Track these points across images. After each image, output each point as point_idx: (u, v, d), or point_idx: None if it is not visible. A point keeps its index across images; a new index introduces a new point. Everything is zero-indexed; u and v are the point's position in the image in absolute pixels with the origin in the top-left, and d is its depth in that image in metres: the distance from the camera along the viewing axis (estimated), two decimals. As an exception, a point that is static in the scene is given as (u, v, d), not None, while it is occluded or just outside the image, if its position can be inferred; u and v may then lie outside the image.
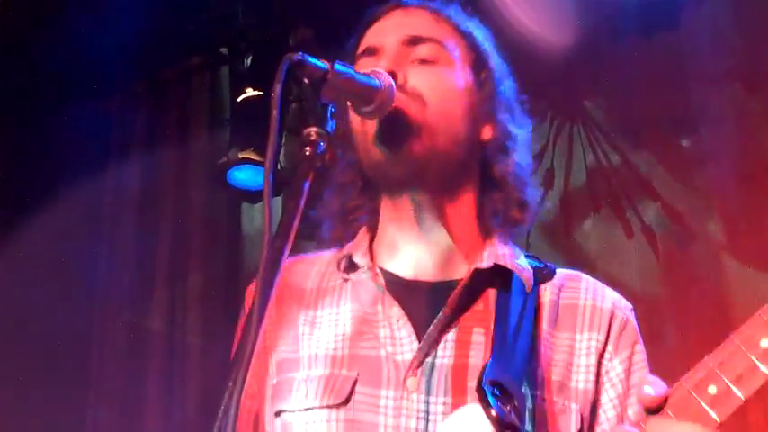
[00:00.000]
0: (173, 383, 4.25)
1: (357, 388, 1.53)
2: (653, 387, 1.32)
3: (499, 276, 1.62)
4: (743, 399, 1.28)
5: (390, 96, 1.51)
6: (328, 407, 1.53)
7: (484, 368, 1.45)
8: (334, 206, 1.75)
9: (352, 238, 1.72)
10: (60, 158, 4.27)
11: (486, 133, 1.71)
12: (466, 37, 1.74)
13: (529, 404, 1.50)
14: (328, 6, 3.77)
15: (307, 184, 1.28)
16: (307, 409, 1.54)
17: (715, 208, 3.29)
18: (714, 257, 3.25)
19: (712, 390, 1.29)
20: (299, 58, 1.30)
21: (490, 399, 1.40)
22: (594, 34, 3.69)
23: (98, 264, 4.46)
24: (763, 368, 1.28)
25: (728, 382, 1.28)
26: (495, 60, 1.77)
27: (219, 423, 1.11)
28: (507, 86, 1.77)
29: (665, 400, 1.31)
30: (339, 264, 1.69)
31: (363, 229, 1.72)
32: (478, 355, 1.54)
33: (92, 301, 4.41)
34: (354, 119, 1.62)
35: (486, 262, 1.62)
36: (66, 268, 4.09)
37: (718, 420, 1.28)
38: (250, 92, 3.94)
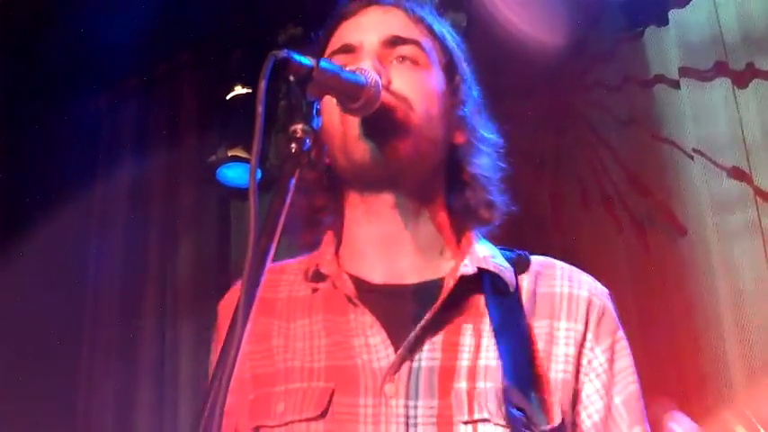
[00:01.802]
0: (164, 381, 4.25)
1: (335, 398, 1.52)
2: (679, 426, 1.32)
3: (479, 278, 1.62)
4: None
5: (377, 93, 1.51)
6: (307, 420, 1.52)
7: (501, 384, 1.48)
8: (301, 206, 1.73)
9: (319, 243, 1.71)
10: (48, 155, 4.26)
11: (459, 137, 1.72)
12: (439, 39, 1.75)
13: (537, 410, 1.50)
14: (317, 4, 3.76)
15: (292, 182, 1.27)
16: (286, 424, 1.53)
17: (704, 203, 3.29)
18: (704, 252, 3.25)
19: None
20: (285, 55, 1.29)
21: (513, 418, 1.43)
22: (584, 31, 3.69)
23: (88, 260, 4.45)
24: None
25: (757, 424, 1.28)
26: (464, 65, 1.78)
27: (203, 428, 1.10)
28: (475, 90, 1.79)
29: None
30: (306, 274, 1.69)
31: (329, 235, 1.72)
32: (464, 357, 1.53)
33: (82, 297, 4.41)
34: (330, 117, 1.60)
35: (470, 268, 1.61)
36: (56, 265, 4.08)
37: None
38: (239, 89, 3.94)
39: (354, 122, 1.58)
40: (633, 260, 3.44)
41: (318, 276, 1.67)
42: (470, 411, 1.48)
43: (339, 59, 1.65)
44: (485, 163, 1.73)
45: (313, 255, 1.71)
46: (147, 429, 4.17)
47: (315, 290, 1.67)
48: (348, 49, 1.68)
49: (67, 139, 4.33)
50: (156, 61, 4.56)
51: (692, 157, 3.36)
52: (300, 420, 1.52)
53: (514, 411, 1.46)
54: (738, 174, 3.25)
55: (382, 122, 1.56)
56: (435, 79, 1.68)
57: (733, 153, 3.27)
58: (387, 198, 1.65)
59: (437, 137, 1.65)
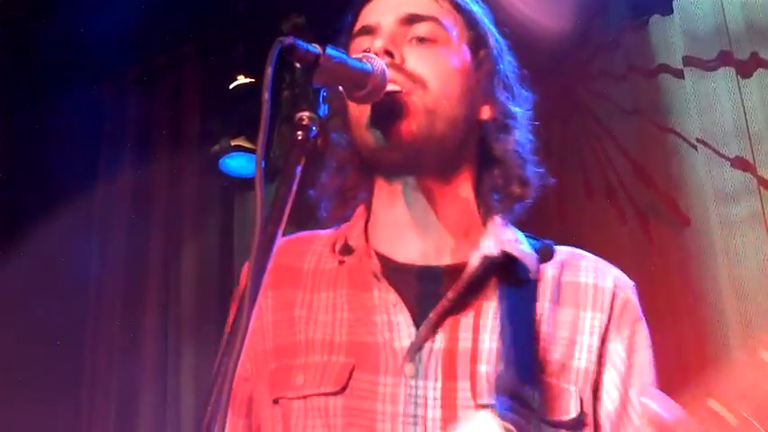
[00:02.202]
0: (166, 379, 4.25)
1: (354, 374, 1.52)
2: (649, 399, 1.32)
3: (504, 262, 1.61)
4: (750, 416, 1.25)
5: (383, 81, 1.50)
6: (326, 394, 1.52)
7: (494, 372, 1.47)
8: (332, 186, 1.74)
9: (351, 216, 1.71)
10: (49, 148, 4.25)
11: (485, 113, 1.69)
12: (464, 14, 1.72)
13: (537, 399, 1.49)
14: (320, -6, 3.76)
15: (299, 169, 1.27)
16: (305, 397, 1.54)
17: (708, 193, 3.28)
18: (708, 242, 3.25)
19: (717, 407, 1.27)
20: (291, 41, 1.29)
21: (501, 408, 1.42)
22: (588, 20, 3.68)
23: (90, 255, 4.45)
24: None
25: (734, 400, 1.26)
26: (494, 37, 1.75)
27: (210, 410, 1.10)
28: (507, 63, 1.76)
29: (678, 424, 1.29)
30: (334, 246, 1.68)
31: (360, 210, 1.71)
32: (485, 339, 1.53)
33: (84, 294, 4.41)
34: (351, 105, 1.61)
35: (494, 249, 1.59)
36: (58, 262, 4.08)
37: None
38: (242, 79, 3.93)
39: (366, 109, 1.57)
40: (637, 250, 3.43)
41: (346, 249, 1.66)
42: (479, 395, 1.48)
43: (360, 41, 1.65)
44: (516, 137, 1.70)
45: (342, 228, 1.70)
46: (149, 428, 4.17)
47: (341, 262, 1.66)
48: (367, 31, 1.68)
49: (69, 131, 4.32)
50: (159, 52, 4.55)
51: (695, 147, 3.35)
52: (319, 394, 1.52)
53: (509, 403, 1.46)
54: (742, 163, 3.24)
55: (392, 108, 1.55)
56: (456, 56, 1.66)
57: (737, 143, 3.26)
58: (408, 181, 1.64)
59: (457, 116, 1.62)
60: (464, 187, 1.68)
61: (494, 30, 1.77)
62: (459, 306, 1.55)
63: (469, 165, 1.69)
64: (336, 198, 1.74)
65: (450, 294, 1.54)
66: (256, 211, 1.17)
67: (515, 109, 1.73)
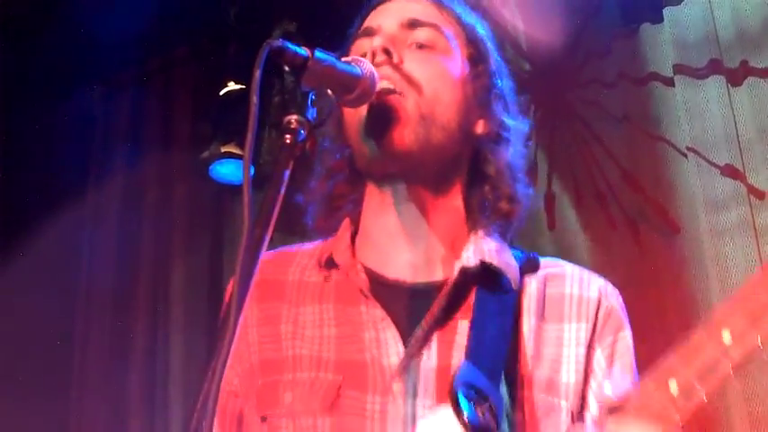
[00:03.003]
0: (155, 380, 4.24)
1: (342, 392, 1.52)
2: (613, 387, 1.30)
3: (485, 273, 1.60)
4: (705, 396, 1.22)
5: (372, 85, 1.49)
6: (314, 412, 1.51)
7: (457, 370, 1.44)
8: (321, 193, 1.73)
9: (337, 228, 1.70)
10: (41, 149, 4.24)
11: (480, 127, 1.69)
12: (466, 29, 1.73)
13: (507, 405, 1.48)
14: (312, 0, 3.77)
15: (287, 173, 1.27)
16: (293, 415, 1.53)
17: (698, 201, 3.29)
18: (697, 250, 3.25)
19: (674, 387, 1.24)
20: (280, 44, 1.29)
21: (462, 402, 1.39)
22: (579, 27, 3.69)
23: (81, 257, 4.44)
24: (725, 363, 1.22)
25: (691, 379, 1.23)
26: (494, 57, 1.76)
27: (196, 419, 1.09)
28: (505, 84, 1.76)
29: (627, 399, 1.26)
30: (320, 260, 1.67)
31: (346, 222, 1.70)
32: (460, 356, 1.52)
33: (74, 294, 4.40)
34: (347, 113, 1.61)
35: (473, 260, 1.59)
36: (49, 263, 4.06)
37: (679, 420, 1.24)
38: (232, 85, 3.92)
39: (361, 118, 1.57)
40: (626, 257, 3.43)
41: (331, 264, 1.65)
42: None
43: (360, 43, 1.66)
44: (509, 155, 1.71)
45: (328, 241, 1.69)
46: (138, 428, 4.16)
47: (327, 277, 1.66)
48: (368, 33, 1.68)
49: (61, 134, 4.32)
50: (151, 56, 4.54)
51: (685, 155, 3.36)
52: (307, 413, 1.52)
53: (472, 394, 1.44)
54: (732, 171, 3.25)
55: (384, 114, 1.55)
56: (454, 65, 1.66)
57: (727, 151, 3.27)
58: (400, 190, 1.64)
59: (451, 125, 1.62)
60: (455, 199, 1.68)
61: (494, 51, 1.78)
62: (444, 321, 1.55)
63: (461, 177, 1.69)
64: (324, 205, 1.73)
65: (434, 310, 1.54)
66: (243, 213, 1.16)
67: (511, 124, 1.73)
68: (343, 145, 1.69)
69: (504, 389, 1.49)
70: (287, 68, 1.30)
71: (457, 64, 1.67)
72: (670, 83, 3.46)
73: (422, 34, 1.65)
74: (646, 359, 3.16)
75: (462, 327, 1.56)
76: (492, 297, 1.58)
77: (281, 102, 1.22)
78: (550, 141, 3.74)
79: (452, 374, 1.44)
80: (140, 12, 3.93)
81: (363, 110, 1.56)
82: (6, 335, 3.86)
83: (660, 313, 3.28)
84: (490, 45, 1.77)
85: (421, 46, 1.64)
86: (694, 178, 3.30)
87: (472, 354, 1.50)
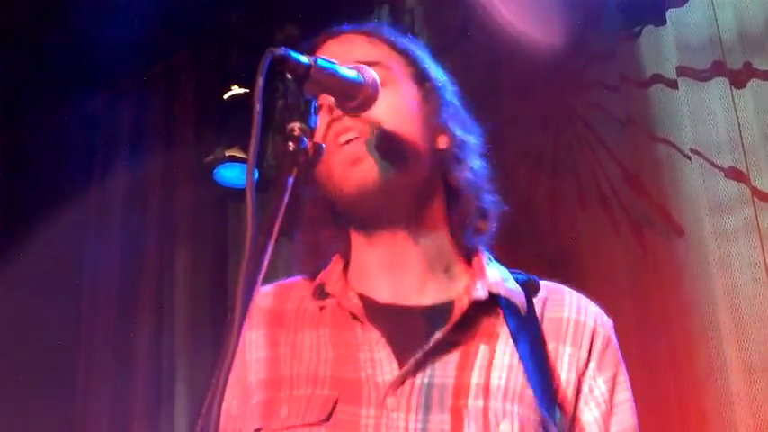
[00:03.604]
0: (161, 381, 4.25)
1: (338, 407, 1.53)
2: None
3: (491, 301, 1.63)
4: None
5: (375, 92, 1.50)
6: (309, 425, 1.53)
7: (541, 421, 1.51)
8: (307, 244, 1.76)
9: (327, 264, 1.73)
10: (44, 154, 4.25)
11: (441, 143, 1.71)
12: (402, 54, 1.75)
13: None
14: (315, 5, 3.77)
15: (290, 180, 1.27)
16: (288, 428, 1.55)
17: (701, 203, 3.28)
18: (701, 253, 3.25)
19: None
20: (282, 52, 1.29)
21: None
22: (582, 30, 3.69)
23: (84, 262, 4.45)
24: None
25: None
26: (436, 71, 1.78)
27: (200, 427, 1.10)
28: (451, 94, 1.78)
29: None
30: (314, 292, 1.70)
31: (336, 257, 1.74)
32: (474, 375, 1.55)
33: (78, 298, 4.41)
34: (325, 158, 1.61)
35: (481, 292, 1.61)
36: (53, 266, 4.08)
37: None
38: (236, 89, 3.93)
39: (332, 163, 1.60)
40: (630, 260, 3.43)
41: (324, 295, 1.68)
42: (485, 428, 1.49)
43: None
44: (470, 166, 1.73)
45: (321, 274, 1.72)
46: (143, 428, 4.17)
47: (322, 307, 1.69)
48: None
49: (64, 139, 4.32)
50: (154, 60, 4.55)
51: (689, 158, 3.35)
52: (303, 425, 1.53)
53: None
54: (736, 174, 3.24)
55: (359, 156, 1.58)
56: (405, 93, 1.69)
57: (730, 153, 3.26)
58: (382, 229, 1.67)
59: (420, 152, 1.65)
60: (438, 224, 1.70)
61: (433, 64, 1.79)
62: (445, 345, 1.57)
63: (439, 200, 1.71)
64: (312, 254, 1.76)
65: (439, 335, 1.56)
66: (247, 221, 1.16)
67: (466, 137, 1.75)
68: (317, 192, 1.71)
69: (557, 414, 1.53)
70: (289, 76, 1.31)
71: (406, 92, 1.69)
72: (673, 85, 3.45)
73: None
74: (649, 363, 3.16)
75: (473, 348, 1.58)
76: (510, 322, 1.60)
77: (284, 106, 1.22)
78: (553, 144, 3.74)
79: (539, 419, 1.51)
80: (143, 16, 3.94)
81: (336, 158, 1.60)
82: (11, 335, 3.88)
83: (664, 315, 3.28)
84: (429, 61, 1.79)
85: None
86: (698, 181, 3.30)
87: (532, 386, 1.53)
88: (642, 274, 3.37)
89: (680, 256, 3.34)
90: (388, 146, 1.60)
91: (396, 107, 1.64)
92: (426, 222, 1.68)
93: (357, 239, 1.71)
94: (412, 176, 1.63)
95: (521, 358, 1.55)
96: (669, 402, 3.09)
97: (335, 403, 1.54)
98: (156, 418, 4.18)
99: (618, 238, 3.51)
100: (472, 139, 1.77)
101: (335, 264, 1.72)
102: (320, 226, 1.76)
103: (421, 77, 1.74)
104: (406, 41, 1.78)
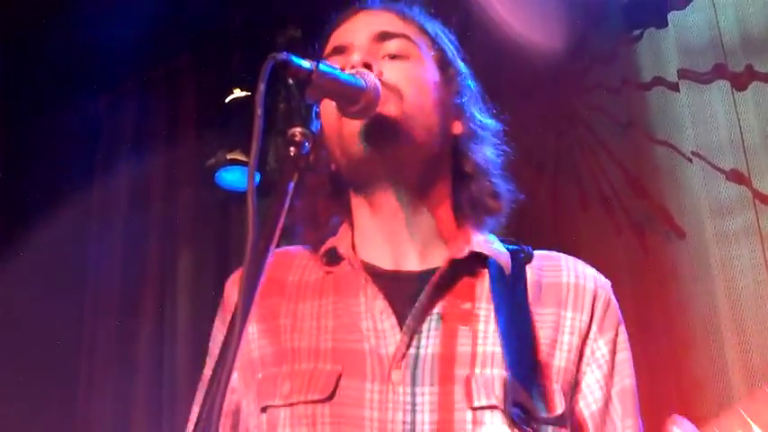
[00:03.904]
0: (162, 382, 4.26)
1: (341, 382, 1.53)
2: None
3: (477, 264, 1.64)
4: None
5: (376, 96, 1.51)
6: (313, 402, 1.52)
7: (505, 385, 1.49)
8: (306, 212, 1.76)
9: (325, 239, 1.73)
10: (47, 157, 4.26)
11: (457, 128, 1.73)
12: (431, 36, 1.77)
13: (541, 405, 1.52)
14: (316, 6, 3.77)
15: (291, 185, 1.27)
16: (291, 405, 1.54)
17: (703, 206, 3.29)
18: (703, 255, 3.25)
19: None
20: (284, 57, 1.29)
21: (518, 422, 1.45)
22: (584, 32, 3.69)
23: (86, 267, 4.46)
24: None
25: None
26: (460, 61, 1.80)
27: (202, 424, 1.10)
28: (472, 83, 1.81)
29: None
30: (322, 256, 1.70)
31: (345, 225, 1.74)
32: (467, 343, 1.55)
33: (81, 303, 4.41)
34: (328, 120, 1.62)
35: (461, 252, 1.63)
36: (55, 271, 4.08)
37: None
38: (238, 92, 3.93)
39: (352, 123, 1.58)
40: (632, 263, 3.43)
41: (335, 258, 1.68)
42: (475, 398, 1.49)
43: (332, 62, 1.65)
44: (486, 151, 1.75)
45: (330, 240, 1.72)
46: (144, 428, 4.18)
47: (328, 272, 1.69)
48: (339, 51, 1.70)
49: (67, 141, 4.33)
50: (156, 63, 4.56)
51: (690, 160, 3.36)
52: (306, 402, 1.53)
53: (514, 404, 1.48)
54: (737, 176, 3.25)
55: (381, 123, 1.57)
56: (427, 70, 1.70)
57: (732, 156, 3.27)
58: (387, 193, 1.66)
59: (432, 127, 1.66)
60: (442, 198, 1.71)
61: (459, 57, 1.82)
62: (435, 309, 1.57)
63: (446, 178, 1.72)
64: (311, 223, 1.76)
65: (422, 298, 1.56)
66: (248, 226, 1.16)
67: (486, 122, 1.77)
68: (321, 162, 1.71)
69: (535, 383, 1.52)
70: (291, 81, 1.31)
71: (429, 70, 1.70)
72: (675, 88, 3.46)
73: (393, 45, 1.68)
74: (650, 362, 3.15)
75: (465, 314, 1.58)
76: (495, 285, 1.61)
77: (286, 110, 1.22)
78: (555, 146, 3.74)
79: (503, 380, 1.49)
80: (145, 19, 3.95)
81: (345, 121, 1.59)
82: (14, 336, 3.89)
83: (665, 317, 3.29)
84: (454, 50, 1.81)
85: (394, 56, 1.67)
86: (699, 183, 3.30)
87: (509, 362, 1.52)
88: (643, 275, 3.38)
89: (681, 258, 3.34)
90: (404, 111, 1.60)
91: (415, 78, 1.65)
92: (431, 196, 1.69)
93: (360, 208, 1.71)
94: (420, 148, 1.63)
95: (497, 320, 1.55)
96: (670, 404, 3.09)
97: (339, 378, 1.53)
98: (158, 419, 4.18)
99: (619, 240, 3.52)
100: (489, 125, 1.78)
101: (345, 231, 1.72)
102: (319, 196, 1.76)
103: (444, 62, 1.75)
104: (435, 26, 1.81)
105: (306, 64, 1.33)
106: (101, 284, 4.45)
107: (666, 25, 3.53)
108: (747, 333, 3.06)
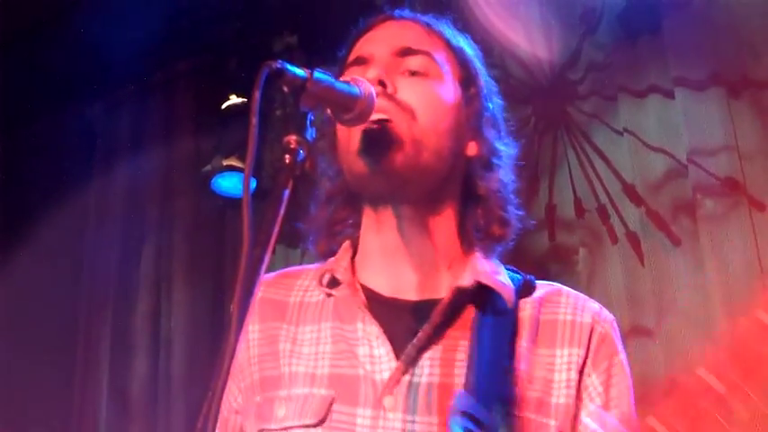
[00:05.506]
0: (158, 386, 4.26)
1: (334, 407, 1.53)
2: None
3: (481, 294, 1.62)
4: None
5: (370, 104, 1.50)
6: (305, 426, 1.53)
7: (454, 399, 1.47)
8: (322, 218, 1.75)
9: (336, 251, 1.72)
10: (44, 162, 4.27)
11: (472, 149, 1.71)
12: (456, 52, 1.74)
13: (501, 424, 1.50)
14: (312, 13, 3.78)
15: (286, 193, 1.27)
16: (285, 429, 1.55)
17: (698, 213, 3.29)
18: (698, 262, 3.26)
19: None
20: (278, 66, 1.29)
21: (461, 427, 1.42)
22: (579, 40, 3.70)
23: (83, 273, 4.46)
24: None
25: None
26: (484, 78, 1.78)
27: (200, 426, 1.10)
28: (495, 105, 1.78)
29: None
30: (321, 279, 1.69)
31: (346, 244, 1.73)
32: (462, 374, 1.54)
33: (77, 303, 4.43)
34: (341, 130, 1.62)
35: (467, 280, 1.61)
36: (51, 279, 4.09)
37: None
38: (234, 99, 3.94)
39: (356, 137, 1.58)
40: (627, 270, 3.44)
41: (333, 283, 1.67)
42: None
43: (352, 72, 1.64)
44: (499, 177, 1.72)
45: (329, 261, 1.71)
46: (141, 420, 4.19)
47: (328, 295, 1.68)
48: (360, 61, 1.69)
49: (64, 147, 4.34)
50: (153, 69, 4.56)
51: (686, 167, 3.36)
52: (299, 426, 1.54)
53: (466, 420, 1.46)
54: (732, 183, 3.25)
55: (382, 136, 1.56)
56: (447, 90, 1.67)
57: (727, 163, 3.27)
58: (391, 211, 1.65)
59: (444, 149, 1.63)
60: (448, 221, 1.69)
61: (484, 72, 1.79)
62: (434, 340, 1.56)
63: (454, 200, 1.70)
64: (325, 230, 1.75)
65: (427, 328, 1.55)
66: (243, 234, 1.17)
67: (501, 148, 1.75)
68: (338, 168, 1.70)
69: (498, 409, 1.50)
70: (286, 89, 1.31)
71: (449, 89, 1.68)
72: (670, 94, 3.47)
73: (414, 62, 1.66)
74: (645, 370, 3.16)
75: (462, 345, 1.57)
76: (489, 317, 1.59)
77: (281, 117, 1.22)
78: (551, 154, 3.75)
79: (451, 404, 1.46)
80: (143, 25, 3.95)
81: (357, 130, 1.57)
82: (12, 336, 3.90)
83: (660, 325, 3.29)
84: (479, 66, 1.78)
85: (414, 73, 1.65)
86: (695, 190, 3.31)
87: (469, 376, 1.51)
88: (639, 283, 3.38)
89: (677, 265, 3.34)
90: (414, 134, 1.58)
91: (431, 99, 1.64)
92: (437, 218, 1.67)
93: (368, 221, 1.70)
94: (429, 169, 1.61)
95: (479, 351, 1.54)
96: (663, 411, 3.09)
97: (332, 403, 1.53)
98: (152, 418, 4.19)
99: (615, 248, 3.52)
100: (507, 150, 1.76)
101: (344, 252, 1.71)
102: (335, 204, 1.75)
103: (468, 81, 1.73)
104: (462, 42, 1.78)
105: (300, 72, 1.33)
106: (97, 289, 4.46)
107: (661, 32, 3.53)
108: (743, 339, 3.06)
